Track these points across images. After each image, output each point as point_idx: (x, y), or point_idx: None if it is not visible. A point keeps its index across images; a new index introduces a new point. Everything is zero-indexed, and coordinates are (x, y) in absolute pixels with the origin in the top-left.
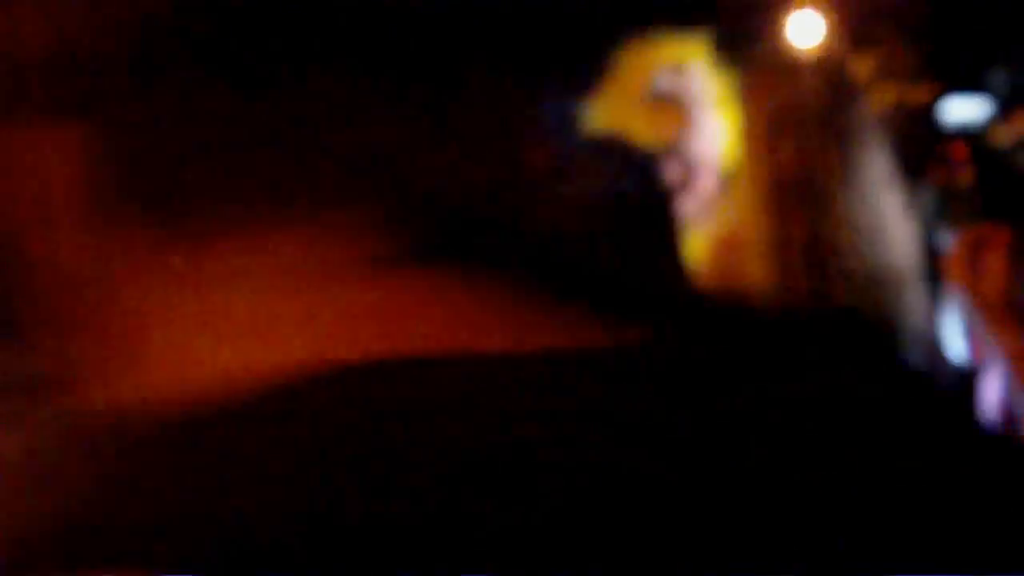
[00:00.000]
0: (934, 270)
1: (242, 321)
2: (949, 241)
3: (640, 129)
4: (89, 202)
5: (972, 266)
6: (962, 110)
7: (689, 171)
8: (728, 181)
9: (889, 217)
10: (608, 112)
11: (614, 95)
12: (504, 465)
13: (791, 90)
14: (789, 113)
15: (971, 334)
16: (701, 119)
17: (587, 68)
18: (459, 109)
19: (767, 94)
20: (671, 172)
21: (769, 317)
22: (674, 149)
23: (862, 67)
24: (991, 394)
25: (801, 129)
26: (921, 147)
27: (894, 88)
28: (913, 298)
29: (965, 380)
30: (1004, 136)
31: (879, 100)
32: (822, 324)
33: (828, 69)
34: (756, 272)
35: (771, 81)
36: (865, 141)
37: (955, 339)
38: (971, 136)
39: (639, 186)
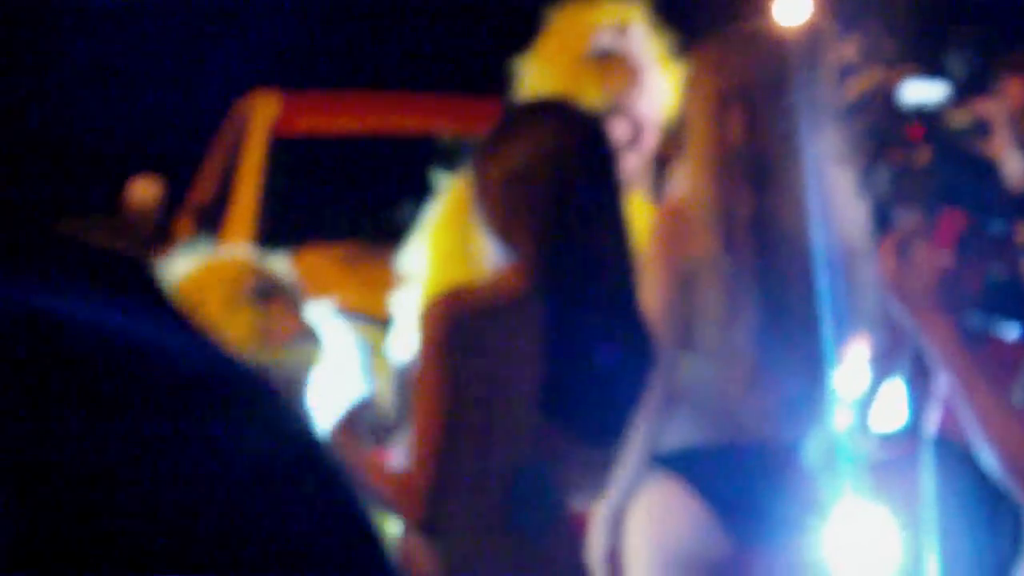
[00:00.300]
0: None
1: None
2: (898, 223)
3: (582, 87)
4: None
5: (901, 262)
6: (920, 92)
7: (635, 129)
8: (678, 151)
9: (839, 195)
10: (550, 70)
11: (556, 53)
12: None
13: (744, 59)
14: (741, 85)
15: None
16: (645, 78)
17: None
18: None
19: (719, 61)
20: (617, 130)
21: None
22: (620, 107)
23: (820, 46)
24: (935, 386)
25: (752, 102)
26: (878, 127)
27: (853, 67)
28: (863, 275)
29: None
30: (961, 119)
31: (836, 78)
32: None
33: (784, 45)
34: (702, 239)
35: (724, 49)
36: (819, 117)
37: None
38: (928, 118)
39: None
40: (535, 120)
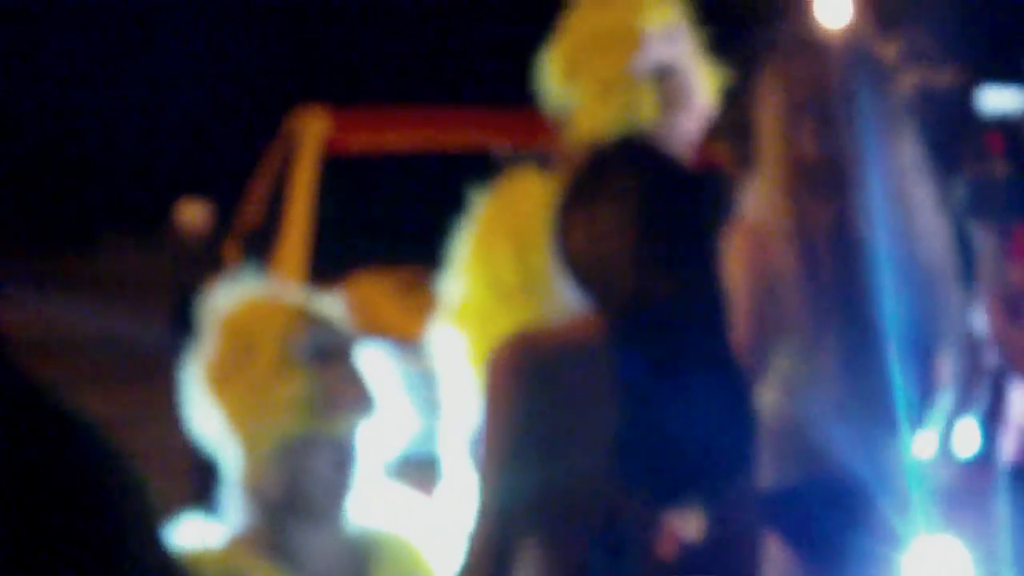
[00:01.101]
0: (969, 264)
1: None
2: (983, 236)
3: (637, 106)
4: None
5: (1010, 320)
6: (1001, 101)
7: (675, 148)
8: (750, 163)
9: (920, 207)
10: (595, 79)
11: (604, 63)
12: None
13: (814, 69)
14: (811, 93)
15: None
16: (695, 97)
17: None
18: None
19: (788, 72)
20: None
21: None
22: (665, 126)
23: (893, 50)
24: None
25: (823, 111)
26: (958, 138)
27: (930, 76)
28: (946, 294)
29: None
30: None
31: (913, 87)
32: None
33: (855, 49)
34: (781, 257)
35: (792, 59)
36: (895, 127)
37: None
38: (1009, 128)
39: None
40: (618, 172)
